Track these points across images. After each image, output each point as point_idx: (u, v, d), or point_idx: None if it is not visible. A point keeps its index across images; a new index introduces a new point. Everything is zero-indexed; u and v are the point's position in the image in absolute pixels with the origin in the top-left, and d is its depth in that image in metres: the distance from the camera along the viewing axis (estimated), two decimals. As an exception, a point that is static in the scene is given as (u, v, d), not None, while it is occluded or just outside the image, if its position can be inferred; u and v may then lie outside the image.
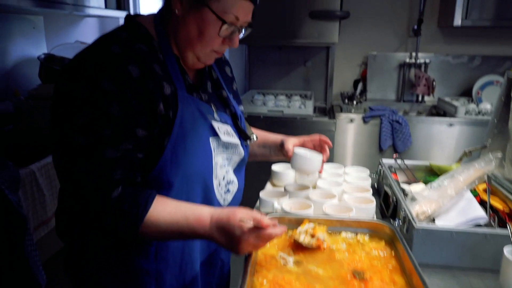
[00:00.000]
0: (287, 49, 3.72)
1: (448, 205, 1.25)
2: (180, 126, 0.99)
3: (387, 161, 1.66)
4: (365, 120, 3.13)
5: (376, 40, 3.69)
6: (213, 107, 1.12)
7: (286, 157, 1.37)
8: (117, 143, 0.91)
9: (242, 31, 1.05)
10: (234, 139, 1.13)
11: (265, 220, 0.91)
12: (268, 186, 1.64)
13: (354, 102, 3.51)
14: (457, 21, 3.14)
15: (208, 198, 1.08)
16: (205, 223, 0.94)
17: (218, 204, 1.11)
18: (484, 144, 1.67)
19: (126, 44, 0.96)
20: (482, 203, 1.30)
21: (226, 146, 1.12)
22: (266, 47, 3.73)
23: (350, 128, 3.19)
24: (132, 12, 2.87)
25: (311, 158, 1.32)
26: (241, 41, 1.09)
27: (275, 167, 1.67)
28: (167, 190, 0.99)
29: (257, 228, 0.91)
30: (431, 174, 1.61)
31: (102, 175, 0.90)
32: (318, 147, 1.38)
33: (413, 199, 1.27)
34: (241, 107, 1.29)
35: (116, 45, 0.94)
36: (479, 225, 1.18)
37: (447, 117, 3.12)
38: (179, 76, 1.03)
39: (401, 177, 1.61)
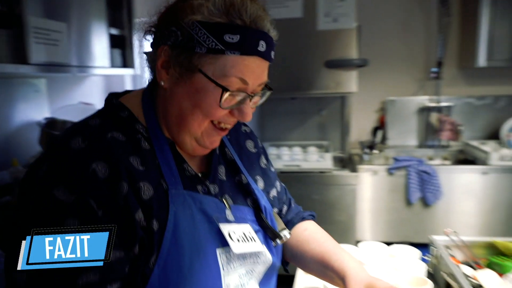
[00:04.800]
0: (301, 98, 3.55)
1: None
2: (172, 238, 0.73)
3: (440, 239, 1.40)
4: (390, 171, 2.91)
5: (393, 85, 3.52)
6: (226, 201, 0.87)
7: None
8: (74, 277, 0.65)
9: (255, 97, 0.80)
10: (254, 246, 0.84)
11: None
12: None
13: (375, 151, 3.30)
14: (482, 62, 2.98)
15: None
16: None
17: None
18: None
19: (94, 135, 0.73)
20: None
21: (244, 256, 0.85)
22: (279, 98, 3.56)
23: (374, 181, 2.95)
24: (139, 70, 2.73)
25: None
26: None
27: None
28: None
29: None
30: (494, 252, 1.36)
31: None
32: None
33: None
34: (274, 191, 1.02)
35: (79, 137, 0.71)
36: None
37: (480, 165, 2.88)
38: (172, 168, 0.79)
39: (457, 256, 1.36)
